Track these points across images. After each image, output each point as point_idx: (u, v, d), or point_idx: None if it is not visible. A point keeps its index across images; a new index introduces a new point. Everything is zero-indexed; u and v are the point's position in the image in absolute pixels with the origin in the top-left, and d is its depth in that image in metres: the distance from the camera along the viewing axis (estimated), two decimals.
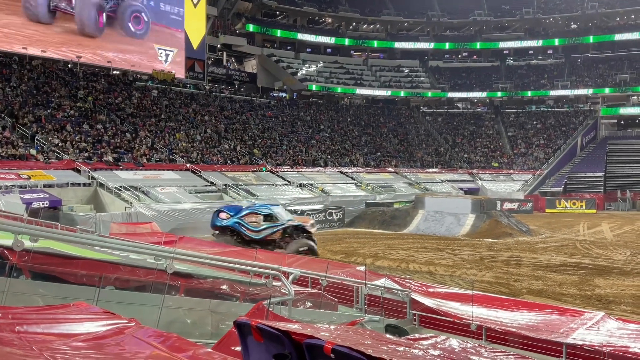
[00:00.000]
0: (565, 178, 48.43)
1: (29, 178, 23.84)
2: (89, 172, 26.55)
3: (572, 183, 48.08)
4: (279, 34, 59.38)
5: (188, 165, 32.29)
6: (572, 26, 63.51)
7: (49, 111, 31.53)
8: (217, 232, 18.43)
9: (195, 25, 47.73)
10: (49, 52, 37.26)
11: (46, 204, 22.03)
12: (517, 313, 8.30)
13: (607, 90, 56.59)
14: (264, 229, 18.05)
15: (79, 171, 26.59)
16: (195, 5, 47.32)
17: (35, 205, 21.07)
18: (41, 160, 26.18)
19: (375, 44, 64.83)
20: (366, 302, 8.52)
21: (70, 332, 2.94)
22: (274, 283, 6.34)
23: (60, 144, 28.51)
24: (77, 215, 22.09)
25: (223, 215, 18.03)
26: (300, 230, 19.19)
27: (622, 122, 57.85)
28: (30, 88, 33.21)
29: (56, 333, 2.89)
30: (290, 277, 6.31)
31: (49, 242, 5.27)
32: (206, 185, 31.00)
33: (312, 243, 18.94)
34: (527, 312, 8.38)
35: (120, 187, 26.14)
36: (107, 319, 3.24)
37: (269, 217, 18.23)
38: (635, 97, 57.00)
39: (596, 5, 60.40)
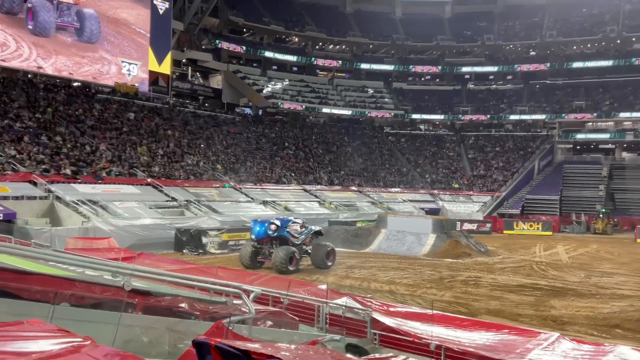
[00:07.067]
0: (523, 200, 49.52)
1: None
2: (45, 184, 25.86)
3: (529, 205, 49.19)
4: (245, 51, 59.51)
5: (149, 180, 31.75)
6: (531, 53, 65.59)
7: (6, 122, 30.68)
8: (261, 243, 20.73)
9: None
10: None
11: (0, 216, 21.39)
12: (475, 333, 8.37)
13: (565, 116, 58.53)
14: (302, 234, 21.60)
15: (35, 184, 25.86)
16: (159, 64, 46.83)
17: None
18: None
19: (341, 64, 65.57)
20: (327, 321, 8.48)
21: (23, 350, 2.84)
22: (235, 301, 6.26)
23: (17, 156, 27.73)
24: (32, 229, 21.47)
25: (273, 227, 20.52)
26: (319, 233, 22.87)
27: (578, 147, 59.78)
28: None
29: (8, 351, 2.79)
30: (252, 295, 6.24)
31: (1, 256, 5.11)
32: (167, 201, 30.52)
33: (331, 244, 22.45)
34: (485, 332, 8.47)
35: (78, 200, 25.52)
36: (61, 337, 3.15)
37: (303, 226, 21.74)
38: (591, 123, 59.04)
39: (554, 33, 62.59)
